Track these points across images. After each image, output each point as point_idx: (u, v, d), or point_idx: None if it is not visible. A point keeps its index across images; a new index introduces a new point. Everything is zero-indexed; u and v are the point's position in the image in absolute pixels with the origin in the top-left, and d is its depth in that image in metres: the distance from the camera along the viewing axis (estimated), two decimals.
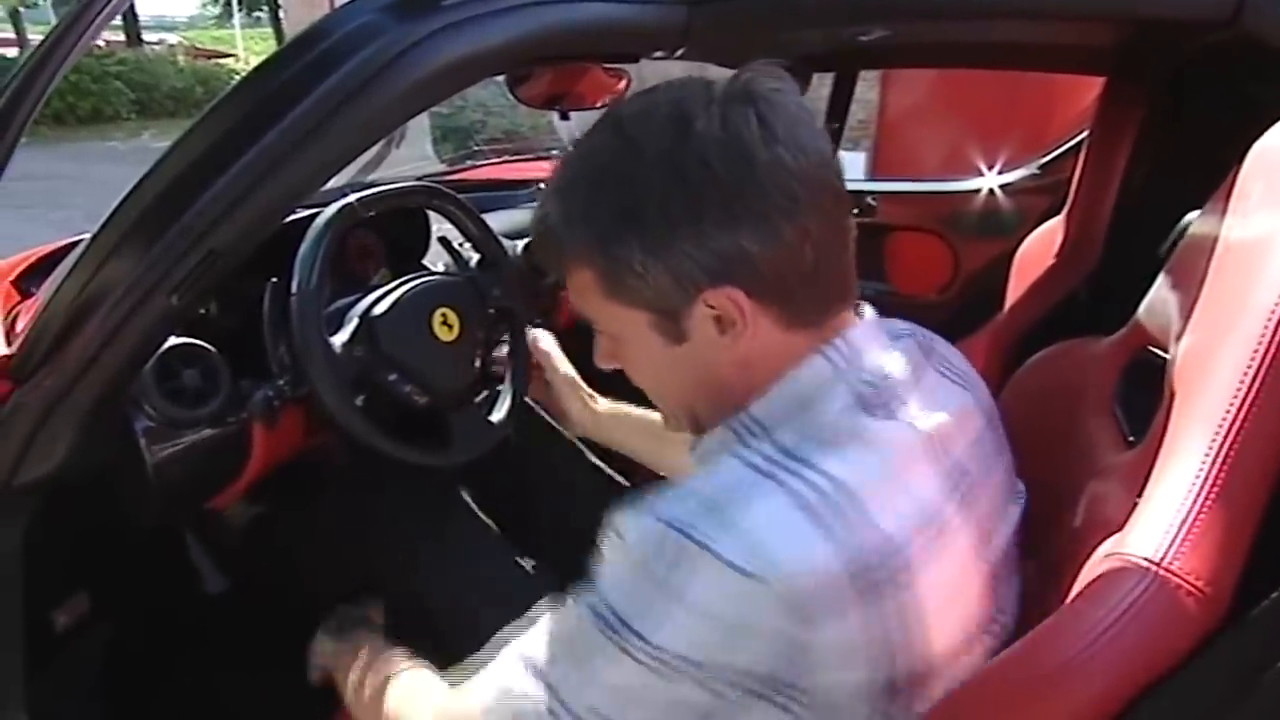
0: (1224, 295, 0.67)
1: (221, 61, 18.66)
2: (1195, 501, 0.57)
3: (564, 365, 1.31)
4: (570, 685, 0.63)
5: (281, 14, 18.49)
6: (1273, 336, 0.59)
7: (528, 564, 1.26)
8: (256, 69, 0.84)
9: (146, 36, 19.75)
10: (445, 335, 1.25)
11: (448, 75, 0.77)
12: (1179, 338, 0.71)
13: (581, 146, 0.69)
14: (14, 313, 1.14)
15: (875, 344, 0.70)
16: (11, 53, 14.51)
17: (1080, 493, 0.77)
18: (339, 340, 1.16)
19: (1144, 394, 0.74)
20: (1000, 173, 2.03)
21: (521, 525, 1.31)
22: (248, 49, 21.15)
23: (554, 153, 2.16)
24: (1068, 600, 0.59)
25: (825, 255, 0.66)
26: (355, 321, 1.20)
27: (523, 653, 0.68)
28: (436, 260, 1.49)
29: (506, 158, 2.53)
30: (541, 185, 0.98)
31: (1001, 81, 3.08)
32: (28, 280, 1.27)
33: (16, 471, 0.89)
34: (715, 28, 0.89)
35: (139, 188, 0.82)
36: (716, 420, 0.72)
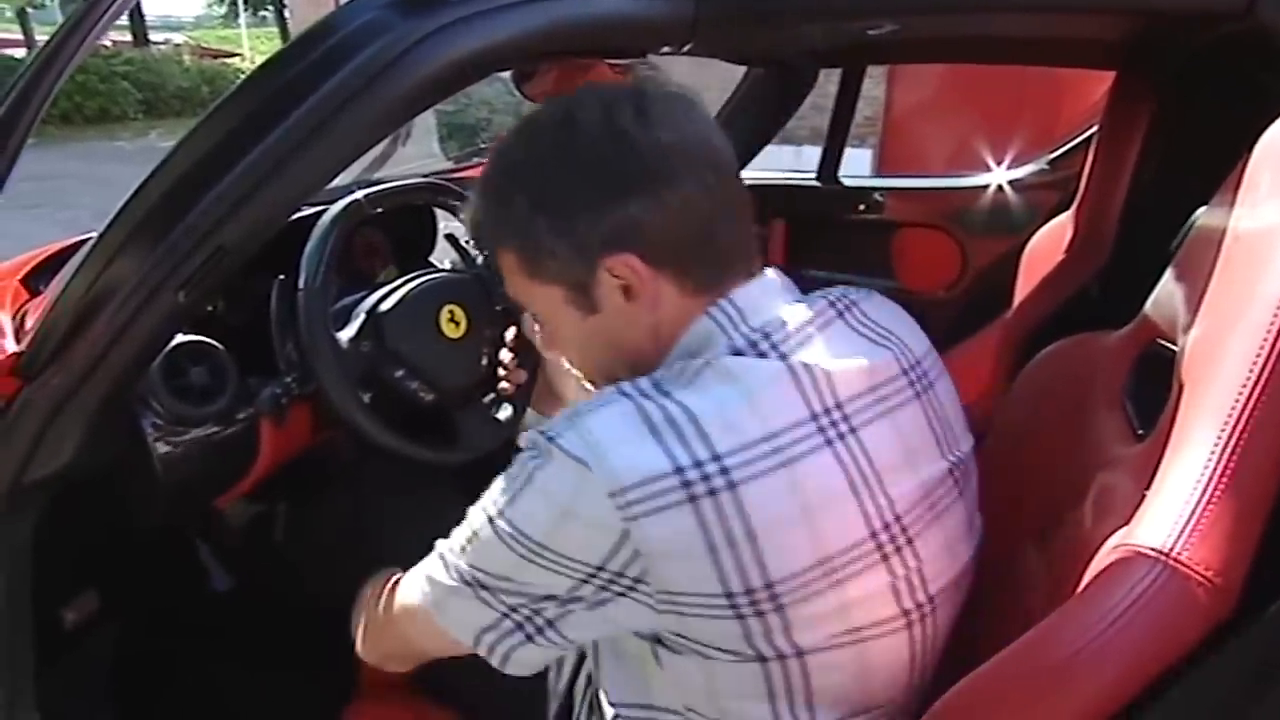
0: (1232, 286, 0.67)
1: (227, 61, 18.64)
2: (1205, 492, 0.57)
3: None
4: (464, 563, 0.73)
5: (287, 13, 18.59)
6: None
7: None
8: (262, 67, 0.84)
9: (153, 36, 19.75)
10: (452, 332, 1.25)
11: (453, 71, 0.78)
12: (1187, 329, 0.70)
13: (496, 150, 0.78)
14: (22, 311, 1.14)
15: (768, 301, 0.75)
16: (19, 53, 14.51)
17: (1090, 485, 0.77)
18: (346, 336, 1.17)
19: (1154, 388, 0.74)
20: (1009, 168, 2.02)
21: None
22: (253, 48, 21.17)
23: None
24: (1077, 591, 0.59)
25: (713, 224, 0.73)
26: (362, 318, 1.20)
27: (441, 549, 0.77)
28: (443, 257, 1.50)
29: None
30: None
31: (1009, 76, 3.07)
32: (36, 279, 1.27)
33: (25, 469, 0.90)
34: (722, 22, 0.89)
35: (145, 186, 0.83)
36: None
